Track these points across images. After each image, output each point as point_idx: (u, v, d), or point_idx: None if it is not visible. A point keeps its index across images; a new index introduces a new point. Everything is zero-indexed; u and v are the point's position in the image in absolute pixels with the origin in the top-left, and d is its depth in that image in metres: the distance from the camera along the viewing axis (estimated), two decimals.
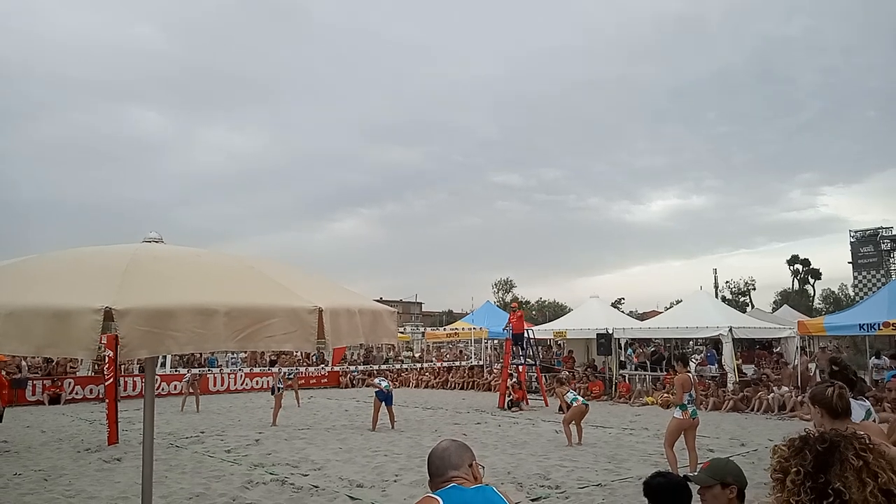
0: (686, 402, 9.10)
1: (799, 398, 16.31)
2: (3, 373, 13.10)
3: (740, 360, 20.78)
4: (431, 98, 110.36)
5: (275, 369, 16.85)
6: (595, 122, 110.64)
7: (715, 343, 21.37)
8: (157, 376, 22.84)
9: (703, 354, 22.14)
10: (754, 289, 66.69)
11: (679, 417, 9.11)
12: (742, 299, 63.55)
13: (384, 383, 14.75)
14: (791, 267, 67.59)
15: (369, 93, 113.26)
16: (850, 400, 4.43)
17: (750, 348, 24.88)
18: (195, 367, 22.25)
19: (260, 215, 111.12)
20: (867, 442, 1.64)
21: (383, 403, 14.48)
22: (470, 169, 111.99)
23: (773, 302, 59.86)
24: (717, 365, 20.33)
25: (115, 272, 2.67)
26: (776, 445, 1.73)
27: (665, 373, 21.00)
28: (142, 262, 2.85)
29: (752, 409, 16.89)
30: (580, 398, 12.66)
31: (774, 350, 22.61)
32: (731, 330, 18.83)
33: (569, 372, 22.20)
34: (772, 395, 16.86)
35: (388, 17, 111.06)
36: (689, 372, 9.71)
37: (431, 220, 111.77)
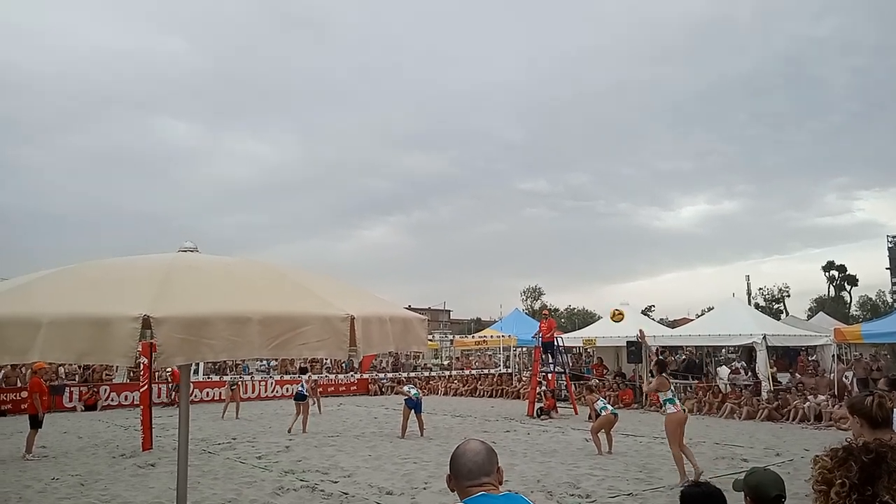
0: (672, 398, 9.92)
1: (836, 407, 15.95)
2: (43, 379, 13.38)
3: (775, 369, 20.39)
4: (455, 104, 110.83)
5: (305, 377, 16.87)
6: (622, 127, 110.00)
7: (748, 351, 21.02)
8: (190, 384, 23.24)
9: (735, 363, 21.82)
10: (788, 296, 65.61)
11: (672, 411, 9.72)
12: (776, 306, 62.50)
13: (413, 391, 14.80)
14: (827, 273, 66.36)
15: (393, 100, 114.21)
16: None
17: (785, 356, 24.43)
18: (236, 375, 22.60)
19: (286, 224, 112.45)
20: None
21: (412, 411, 14.50)
22: (496, 175, 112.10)
23: (809, 309, 58.79)
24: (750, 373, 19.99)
25: (152, 281, 2.73)
26: (817, 456, 1.70)
27: (697, 381, 20.71)
28: (178, 271, 2.91)
29: (787, 419, 16.55)
30: (609, 407, 12.50)
31: (810, 358, 22.14)
32: (765, 337, 18.50)
33: (599, 380, 22.00)
34: (808, 404, 16.50)
35: (412, 23, 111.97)
36: (664, 375, 10.60)
37: (458, 226, 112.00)
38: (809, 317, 39.26)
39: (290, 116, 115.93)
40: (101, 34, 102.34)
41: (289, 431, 15.12)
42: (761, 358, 18.63)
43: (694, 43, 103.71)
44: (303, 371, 17.11)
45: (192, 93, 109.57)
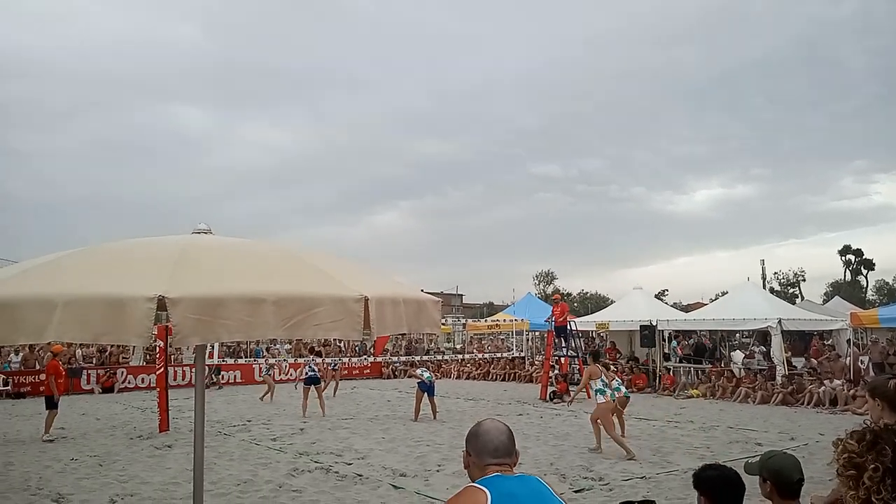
0: (602, 387, 10.58)
1: (851, 392, 15.84)
2: (60, 362, 13.55)
3: (789, 353, 20.27)
4: (469, 89, 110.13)
5: (319, 360, 16.90)
6: (636, 111, 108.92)
7: (763, 335, 20.89)
8: (206, 367, 23.46)
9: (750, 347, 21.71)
10: (804, 280, 65.08)
11: (602, 402, 10.48)
12: (791, 291, 62.02)
13: (426, 374, 14.84)
14: (843, 257, 65.72)
15: (406, 84, 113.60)
16: None
17: (800, 341, 24.27)
18: (271, 359, 23.14)
19: (300, 209, 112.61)
20: None
21: (425, 394, 14.56)
22: (509, 160, 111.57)
23: (824, 293, 58.31)
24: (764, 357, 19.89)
25: (167, 262, 2.74)
26: (839, 439, 1.67)
27: (710, 365, 20.63)
28: (192, 252, 2.91)
29: (802, 403, 16.46)
30: (623, 388, 12.38)
31: (825, 343, 21.98)
32: (779, 322, 18.37)
33: (612, 364, 21.96)
34: (823, 388, 16.40)
35: (425, 8, 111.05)
36: (598, 365, 11.33)
37: (471, 211, 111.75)
38: (825, 301, 38.97)
39: (303, 103, 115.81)
40: (116, 21, 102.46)
41: (303, 415, 15.12)
42: (776, 342, 18.51)
43: (709, 25, 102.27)
44: (317, 354, 17.14)
45: (206, 80, 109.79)
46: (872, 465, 1.52)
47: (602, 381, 10.69)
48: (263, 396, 18.77)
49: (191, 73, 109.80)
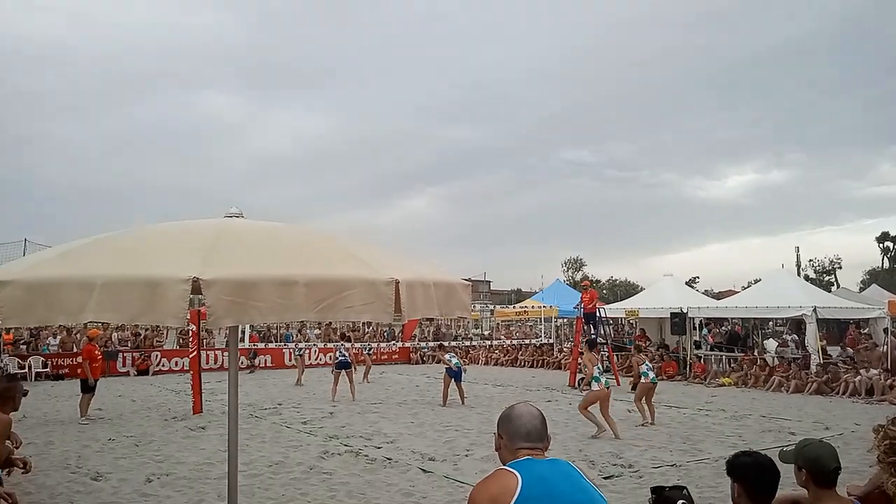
0: (598, 375, 10.82)
1: (888, 381, 15.51)
2: (97, 346, 13.84)
3: (825, 342, 19.89)
4: (497, 75, 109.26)
5: (349, 345, 17.15)
6: (667, 95, 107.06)
7: (797, 324, 20.54)
8: (238, 347, 23.85)
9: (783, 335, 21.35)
10: (840, 268, 63.67)
11: (596, 389, 10.79)
12: (827, 278, 60.77)
13: (454, 360, 14.89)
14: (881, 245, 64.12)
15: (434, 70, 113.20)
16: None
17: (836, 329, 23.82)
18: (302, 343, 23.12)
19: (329, 196, 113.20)
20: None
21: (453, 380, 14.62)
22: (538, 145, 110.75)
23: (861, 281, 57.03)
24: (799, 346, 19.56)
25: (201, 245, 2.78)
26: (881, 426, 1.63)
27: (742, 353, 20.35)
28: (225, 235, 2.95)
29: (838, 393, 16.16)
30: (651, 374, 12.30)
31: (862, 331, 21.52)
32: (815, 310, 18.02)
33: (642, 352, 21.78)
34: (859, 377, 16.08)
35: None
36: (595, 353, 11.66)
37: (499, 197, 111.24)
38: (862, 289, 38.07)
39: (331, 89, 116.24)
40: (148, 9, 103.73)
41: (332, 400, 15.24)
42: (811, 330, 18.17)
43: (743, 5, 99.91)
44: (346, 339, 17.33)
45: (238, 68, 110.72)
46: None
47: (598, 368, 11.05)
48: (298, 380, 19.10)
49: (223, 61, 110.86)
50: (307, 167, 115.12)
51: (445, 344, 25.27)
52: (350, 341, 27.26)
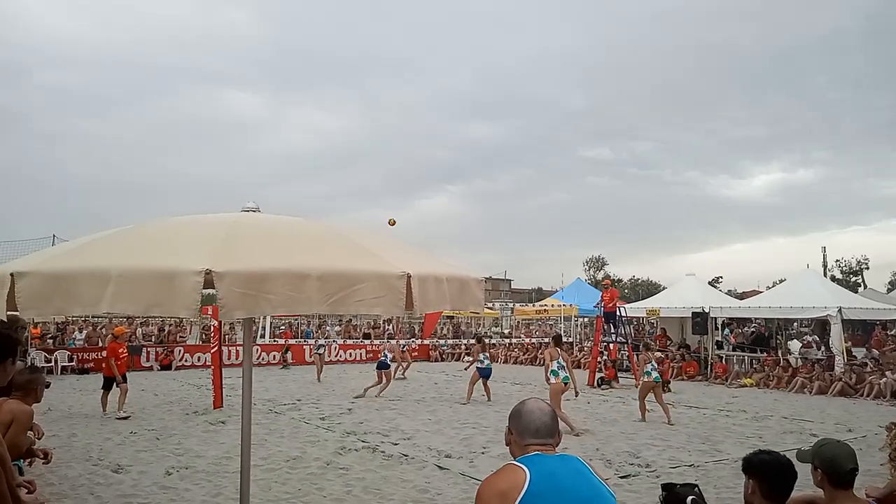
0: (556, 369, 11.21)
1: None
2: (123, 343, 13.95)
3: (849, 343, 19.57)
4: (518, 71, 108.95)
5: (392, 342, 17.36)
6: (690, 91, 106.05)
7: (822, 325, 20.24)
8: (256, 346, 24.02)
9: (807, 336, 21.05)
10: (867, 268, 62.53)
11: (553, 382, 11.21)
12: (853, 279, 59.76)
13: (487, 361, 15.12)
14: None
15: (455, 68, 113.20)
16: None
17: (862, 331, 23.43)
18: (322, 339, 22.78)
19: (349, 193, 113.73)
20: None
21: (481, 378, 14.83)
22: (558, 143, 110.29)
23: (889, 282, 56.01)
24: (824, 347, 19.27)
25: (215, 238, 2.81)
26: (893, 424, 1.61)
27: (765, 354, 20.10)
28: (240, 228, 2.98)
29: (862, 395, 15.90)
30: (654, 373, 12.33)
31: (889, 333, 21.15)
32: (840, 310, 17.73)
33: (662, 352, 21.61)
34: (884, 380, 15.80)
35: None
36: (559, 348, 11.86)
37: (519, 195, 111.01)
38: (890, 290, 37.45)
39: (351, 86, 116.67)
40: (169, 7, 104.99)
41: (376, 396, 15.39)
42: (835, 331, 17.88)
43: (769, 0, 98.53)
44: (389, 337, 17.40)
45: (257, 65, 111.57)
46: None
47: (558, 363, 11.30)
48: (319, 377, 19.13)
49: (242, 59, 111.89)
50: (328, 164, 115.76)
51: (486, 340, 25.28)
52: (369, 338, 27.41)
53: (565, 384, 11.23)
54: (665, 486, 2.64)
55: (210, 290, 2.66)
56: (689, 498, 2.50)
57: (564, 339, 26.63)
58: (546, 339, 27.17)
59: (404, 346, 22.01)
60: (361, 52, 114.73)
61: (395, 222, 19.14)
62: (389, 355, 16.53)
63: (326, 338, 24.61)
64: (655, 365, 12.65)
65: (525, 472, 2.28)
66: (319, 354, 19.93)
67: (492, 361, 19.63)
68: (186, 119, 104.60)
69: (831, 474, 2.86)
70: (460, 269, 3.32)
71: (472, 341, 20.56)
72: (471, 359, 24.17)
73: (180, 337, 24.52)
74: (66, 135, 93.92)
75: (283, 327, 30.03)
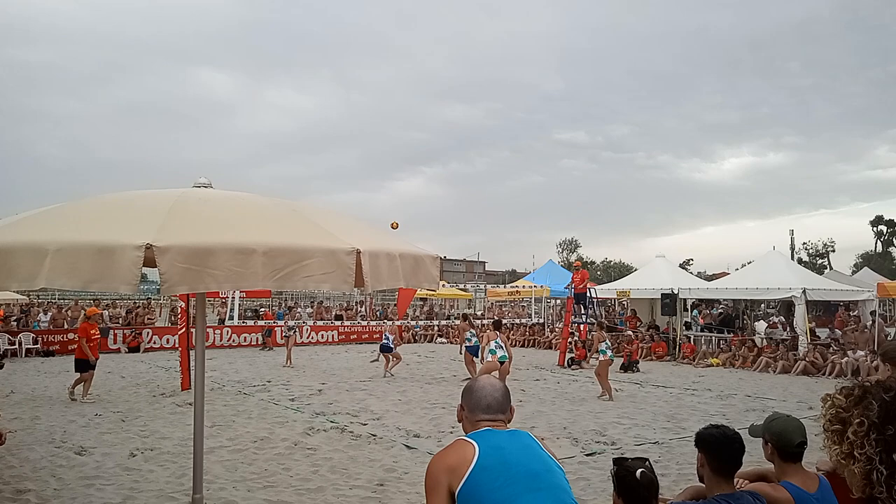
0: (494, 348, 12.10)
1: (874, 363, 15.61)
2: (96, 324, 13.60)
3: (813, 324, 19.99)
4: (494, 54, 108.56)
5: (388, 323, 17.42)
6: (665, 76, 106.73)
7: (787, 306, 20.63)
8: (228, 328, 23.81)
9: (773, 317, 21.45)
10: (833, 251, 63.87)
11: (489, 360, 12.12)
12: (820, 262, 60.96)
13: (475, 339, 15.47)
14: (874, 228, 64.35)
15: (432, 50, 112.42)
16: None
17: (827, 312, 23.94)
18: (293, 321, 21.63)
19: (324, 175, 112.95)
20: None
21: (473, 357, 15.22)
22: (533, 126, 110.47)
23: (854, 265, 57.25)
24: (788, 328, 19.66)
25: (159, 212, 2.73)
26: (828, 395, 1.62)
27: (732, 334, 20.45)
28: (186, 203, 2.90)
29: (825, 374, 16.28)
30: (609, 352, 12.79)
31: (852, 314, 21.64)
32: (804, 291, 18.08)
33: (632, 332, 21.89)
34: (846, 359, 16.19)
35: None
36: (498, 332, 12.75)
37: (495, 178, 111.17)
38: (854, 272, 38.27)
39: (328, 68, 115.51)
40: None
41: (389, 375, 15.92)
42: (799, 312, 18.25)
43: None
44: (338, 318, 17.34)
45: (232, 44, 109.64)
46: (857, 420, 1.47)
47: (496, 342, 12.24)
48: (287, 362, 18.37)
49: (217, 37, 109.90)
50: (304, 146, 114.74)
51: (469, 316, 25.27)
52: (341, 319, 27.30)
53: (501, 363, 12.08)
54: (616, 461, 2.66)
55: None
56: (639, 471, 2.52)
57: (535, 321, 26.94)
58: (519, 320, 27.43)
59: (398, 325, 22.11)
60: (338, 33, 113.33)
61: (397, 225, 19.27)
62: (391, 336, 16.71)
63: (297, 320, 24.41)
64: (609, 343, 13.06)
65: (474, 446, 2.30)
66: (288, 337, 19.36)
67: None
68: (159, 98, 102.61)
69: (780, 448, 2.91)
70: (414, 247, 3.30)
71: (458, 321, 20.57)
72: (445, 340, 24.28)
73: (148, 319, 24.19)
74: (33, 113, 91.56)
75: (263, 310, 29.82)
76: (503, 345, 12.30)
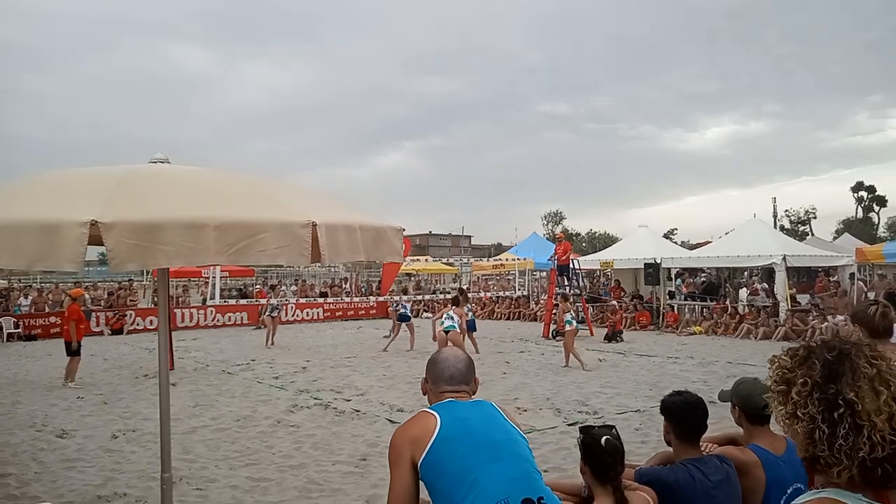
0: (444, 319, 12.83)
1: (854, 327, 15.83)
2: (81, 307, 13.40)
3: (794, 290, 20.20)
4: (474, 24, 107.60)
5: (406, 297, 17.65)
6: (646, 46, 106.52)
7: (770, 273, 20.81)
8: (212, 308, 23.69)
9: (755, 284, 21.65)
10: (815, 218, 64.48)
11: (439, 330, 12.89)
12: (802, 228, 61.52)
13: (471, 313, 15.60)
14: (855, 194, 64.94)
15: (410, 21, 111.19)
16: None
17: (808, 278, 24.19)
18: (276, 299, 20.25)
19: (304, 151, 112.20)
20: (877, 349, 1.50)
21: (469, 331, 15.18)
22: (515, 98, 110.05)
23: (835, 231, 57.78)
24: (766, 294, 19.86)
25: (106, 188, 2.66)
26: (775, 356, 1.61)
27: (715, 302, 20.64)
28: (137, 179, 2.83)
29: (805, 339, 16.49)
30: (574, 322, 13.07)
31: (832, 279, 21.89)
32: (784, 258, 18.24)
33: (616, 302, 22.02)
34: (825, 324, 16.40)
35: None
36: (455, 306, 13.33)
37: (477, 151, 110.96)
38: (835, 238, 38.66)
39: (306, 41, 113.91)
40: None
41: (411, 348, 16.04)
42: (780, 279, 18.42)
43: None
44: (323, 295, 17.27)
45: (206, 18, 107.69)
46: (801, 380, 1.46)
47: (449, 315, 12.73)
48: (268, 342, 17.67)
49: (191, 12, 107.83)
50: (284, 122, 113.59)
51: (422, 300, 25.38)
52: (326, 296, 27.22)
53: (446, 332, 12.67)
54: (582, 429, 2.67)
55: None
56: (604, 438, 2.53)
57: (519, 294, 26.99)
58: (504, 293, 27.49)
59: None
60: (315, 5, 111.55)
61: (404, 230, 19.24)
62: (408, 306, 17.00)
63: (280, 298, 24.25)
64: (574, 314, 13.39)
65: (436, 417, 2.30)
66: (273, 317, 18.49)
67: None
68: (133, 74, 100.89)
69: (748, 411, 2.94)
70: (376, 218, 3.25)
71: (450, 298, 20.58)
72: (430, 315, 24.21)
73: (131, 300, 24.02)
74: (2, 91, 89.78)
75: (257, 288, 29.59)
76: (453, 316, 12.70)
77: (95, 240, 2.39)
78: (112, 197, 2.56)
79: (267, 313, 18.74)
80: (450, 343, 11.73)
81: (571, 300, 15.13)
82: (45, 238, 2.38)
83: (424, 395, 2.60)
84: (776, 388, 1.52)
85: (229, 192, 2.91)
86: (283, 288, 26.94)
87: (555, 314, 19.46)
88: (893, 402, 1.43)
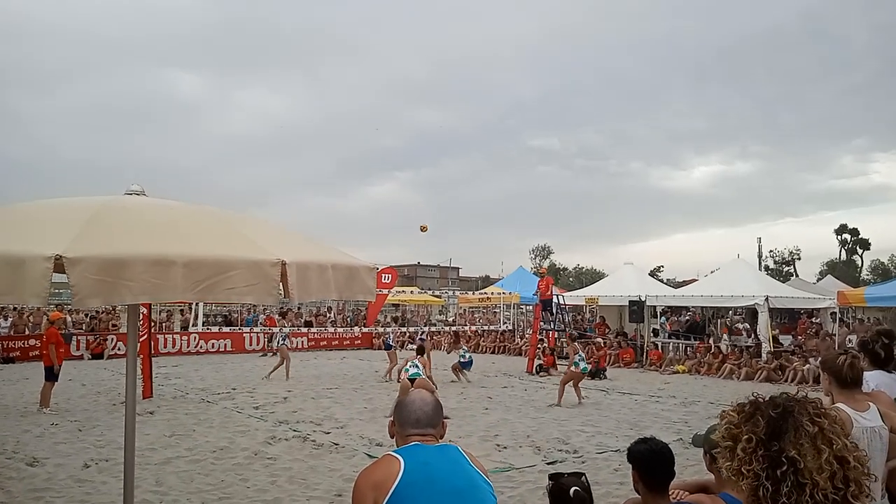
0: (408, 367, 12.31)
1: (824, 376, 15.88)
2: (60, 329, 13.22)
3: (777, 331, 20.29)
4: (468, 57, 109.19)
5: (391, 329, 18.42)
6: (636, 84, 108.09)
7: (753, 313, 20.91)
8: (196, 335, 23.43)
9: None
10: (799, 258, 65.00)
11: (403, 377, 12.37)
12: (786, 269, 62.01)
13: (468, 354, 16.96)
14: (839, 237, 65.67)
15: (405, 54, 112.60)
16: (882, 373, 4.27)
17: (791, 320, 24.30)
18: (286, 328, 19.14)
19: (296, 178, 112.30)
20: (821, 407, 1.53)
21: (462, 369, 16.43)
22: (507, 132, 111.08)
23: (819, 272, 58.28)
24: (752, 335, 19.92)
25: (76, 222, 2.67)
26: (724, 411, 1.63)
27: (699, 341, 20.68)
28: (106, 212, 2.84)
29: (787, 380, 16.53)
30: (583, 364, 13.16)
31: (814, 321, 22.01)
32: (767, 299, 18.36)
33: (601, 339, 22.01)
34: (807, 366, 16.45)
35: None
36: (420, 357, 12.99)
37: (468, 184, 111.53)
38: (819, 280, 38.97)
39: (300, 69, 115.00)
40: None
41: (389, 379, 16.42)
42: (762, 319, 18.51)
43: None
44: (308, 325, 17.29)
45: (202, 44, 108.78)
46: (746, 436, 1.48)
47: (413, 363, 12.38)
48: (272, 373, 16.40)
49: (186, 38, 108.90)
50: (275, 148, 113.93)
51: (409, 332, 25.54)
52: (311, 325, 27.03)
53: (411, 380, 12.29)
54: (552, 476, 2.66)
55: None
56: (573, 489, 2.51)
57: (504, 328, 26.97)
58: (490, 327, 27.44)
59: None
60: (310, 34, 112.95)
61: (426, 228, 19.51)
62: (391, 336, 18.28)
63: (248, 325, 23.78)
64: (583, 356, 13.37)
65: (400, 462, 2.29)
66: (285, 346, 17.27)
67: (436, 349, 20.16)
68: (127, 98, 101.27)
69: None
70: (349, 257, 3.26)
71: (452, 337, 21.00)
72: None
73: (112, 325, 23.73)
74: None
75: (268, 313, 29.27)
76: (417, 364, 12.56)
77: (61, 268, 2.38)
78: (81, 232, 2.56)
79: (280, 342, 17.58)
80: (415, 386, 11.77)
81: (577, 341, 15.58)
82: (11, 272, 2.37)
83: (392, 437, 2.58)
84: (723, 443, 1.54)
85: (200, 229, 2.91)
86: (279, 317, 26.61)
87: (541, 347, 19.46)
88: (835, 461, 1.44)
